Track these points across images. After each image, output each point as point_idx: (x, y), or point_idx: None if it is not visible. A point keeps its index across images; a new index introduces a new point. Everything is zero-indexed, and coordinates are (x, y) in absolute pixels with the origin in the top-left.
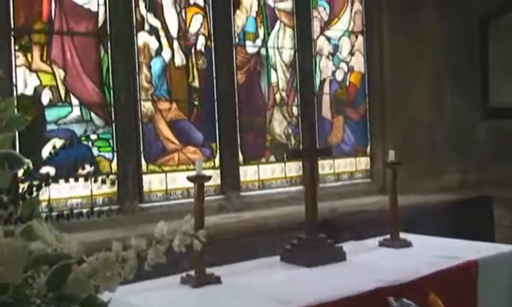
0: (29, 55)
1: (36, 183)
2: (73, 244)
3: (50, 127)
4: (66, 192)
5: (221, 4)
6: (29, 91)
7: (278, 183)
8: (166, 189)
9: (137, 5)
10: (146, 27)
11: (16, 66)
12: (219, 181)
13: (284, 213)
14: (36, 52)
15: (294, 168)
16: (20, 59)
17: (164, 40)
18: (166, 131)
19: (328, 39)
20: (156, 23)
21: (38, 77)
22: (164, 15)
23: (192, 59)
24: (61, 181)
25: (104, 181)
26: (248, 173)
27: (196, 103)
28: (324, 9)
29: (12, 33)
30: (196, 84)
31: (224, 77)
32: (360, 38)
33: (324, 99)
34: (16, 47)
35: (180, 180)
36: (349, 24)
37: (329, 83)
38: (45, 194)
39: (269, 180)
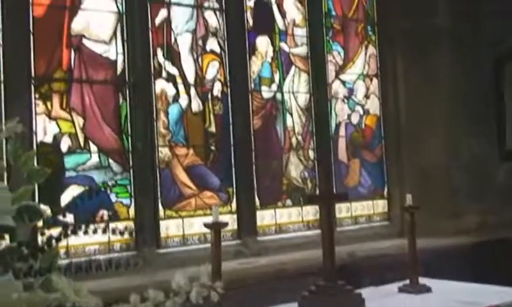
0: (48, 103)
1: (55, 235)
2: (92, 298)
3: (69, 174)
4: (84, 238)
5: (236, 50)
6: (49, 139)
7: (295, 227)
8: (183, 234)
9: (155, 53)
10: (164, 74)
11: (36, 114)
12: (236, 226)
13: (302, 258)
14: (55, 100)
15: (311, 212)
16: (40, 107)
17: (181, 87)
18: (183, 176)
19: (343, 82)
20: (173, 70)
21: (58, 125)
22: (181, 63)
23: (209, 104)
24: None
25: (122, 233)
26: (264, 217)
27: (212, 148)
28: (339, 53)
29: (32, 82)
30: (212, 129)
31: (240, 122)
32: (375, 81)
33: (340, 142)
34: (37, 95)
35: (197, 225)
36: (364, 68)
37: (344, 126)
38: (62, 241)
39: (286, 224)
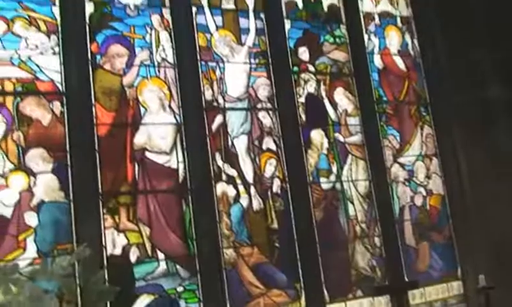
0: (116, 217)
1: None
2: None
3: (138, 284)
4: None
5: (292, 146)
6: (118, 251)
7: None
8: None
9: (213, 158)
10: (224, 177)
11: (105, 228)
12: None
13: None
14: (123, 212)
15: (383, 301)
16: (109, 221)
17: (241, 187)
18: (249, 276)
19: (402, 165)
20: (232, 172)
21: (126, 236)
22: (240, 164)
23: (270, 202)
24: None
25: None
26: None
27: (276, 245)
28: (394, 137)
29: (100, 198)
30: (275, 226)
31: (302, 216)
32: (435, 160)
33: (406, 226)
34: (105, 210)
35: None
36: (422, 148)
37: (409, 209)
38: None
39: None
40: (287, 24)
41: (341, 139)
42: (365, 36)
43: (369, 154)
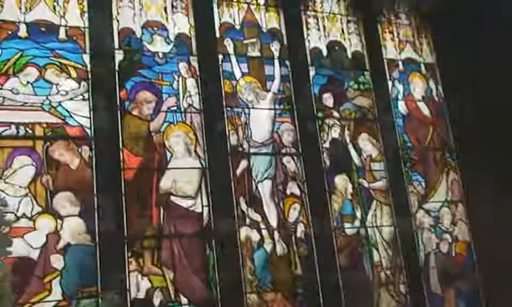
0: (140, 260)
1: None
2: None
3: None
4: None
5: (316, 191)
6: (142, 295)
7: None
8: None
9: (238, 202)
10: (248, 221)
11: (129, 272)
12: None
13: None
14: (147, 256)
15: None
16: (133, 264)
17: (265, 232)
18: None
19: (427, 211)
20: (256, 216)
21: (150, 280)
22: (264, 208)
23: (293, 247)
24: None
25: None
26: None
27: (300, 291)
28: (419, 183)
29: (125, 241)
30: (298, 271)
31: (326, 261)
32: (460, 206)
33: (432, 273)
34: (129, 254)
35: None
36: (447, 194)
37: (434, 256)
38: None
39: None
40: (312, 71)
41: (365, 184)
42: (389, 83)
43: (394, 200)
